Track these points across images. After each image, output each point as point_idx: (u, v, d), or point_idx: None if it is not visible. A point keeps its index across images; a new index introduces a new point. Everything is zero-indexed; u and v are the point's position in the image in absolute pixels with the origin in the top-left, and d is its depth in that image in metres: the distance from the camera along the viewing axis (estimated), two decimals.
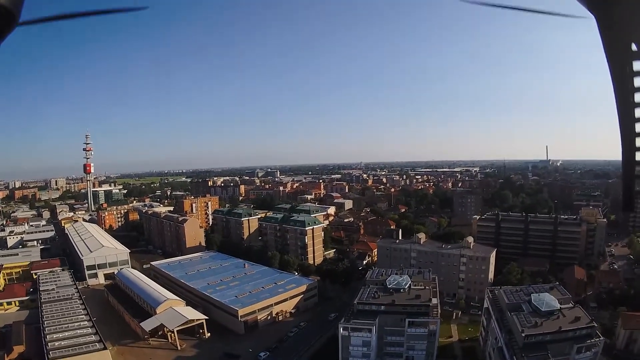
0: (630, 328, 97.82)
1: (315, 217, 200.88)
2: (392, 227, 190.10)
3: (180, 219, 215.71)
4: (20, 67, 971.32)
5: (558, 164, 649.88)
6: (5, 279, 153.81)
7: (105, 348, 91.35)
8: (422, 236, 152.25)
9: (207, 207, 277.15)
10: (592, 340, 77.32)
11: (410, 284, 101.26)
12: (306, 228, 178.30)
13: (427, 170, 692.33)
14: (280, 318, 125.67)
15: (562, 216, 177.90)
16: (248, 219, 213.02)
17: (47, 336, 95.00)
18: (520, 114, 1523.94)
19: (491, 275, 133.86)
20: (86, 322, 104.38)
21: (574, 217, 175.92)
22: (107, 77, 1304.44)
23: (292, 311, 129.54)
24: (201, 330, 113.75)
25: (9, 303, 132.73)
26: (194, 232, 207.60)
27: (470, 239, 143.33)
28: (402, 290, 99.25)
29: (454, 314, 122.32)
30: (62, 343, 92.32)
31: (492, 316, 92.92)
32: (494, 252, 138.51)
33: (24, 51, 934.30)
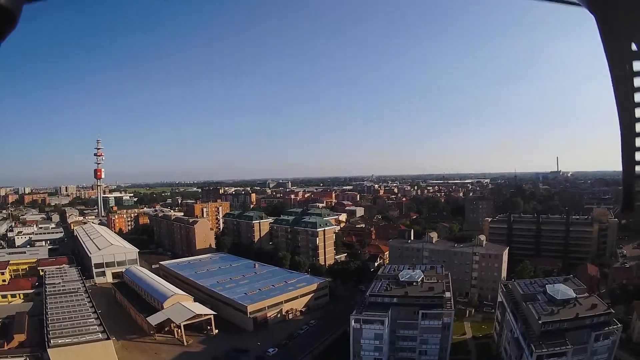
0: None
1: (326, 220, 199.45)
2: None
3: (190, 220, 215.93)
4: (32, 76, 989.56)
5: (569, 175, 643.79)
6: (11, 275, 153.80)
7: (108, 338, 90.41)
8: (434, 235, 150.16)
9: (218, 212, 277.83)
10: (610, 328, 75.31)
11: (423, 278, 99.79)
12: (318, 229, 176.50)
13: (439, 181, 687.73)
14: (291, 316, 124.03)
15: (573, 216, 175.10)
16: (259, 222, 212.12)
17: (49, 325, 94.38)
18: (530, 126, 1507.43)
19: (504, 273, 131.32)
20: (90, 314, 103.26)
21: (586, 217, 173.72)
22: (120, 88, 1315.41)
23: (303, 310, 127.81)
24: (209, 327, 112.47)
25: (13, 296, 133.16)
26: (204, 233, 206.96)
27: (483, 237, 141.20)
28: (414, 284, 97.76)
29: (467, 311, 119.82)
30: (64, 332, 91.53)
31: (506, 309, 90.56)
32: (507, 249, 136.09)
33: (37, 60, 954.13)
